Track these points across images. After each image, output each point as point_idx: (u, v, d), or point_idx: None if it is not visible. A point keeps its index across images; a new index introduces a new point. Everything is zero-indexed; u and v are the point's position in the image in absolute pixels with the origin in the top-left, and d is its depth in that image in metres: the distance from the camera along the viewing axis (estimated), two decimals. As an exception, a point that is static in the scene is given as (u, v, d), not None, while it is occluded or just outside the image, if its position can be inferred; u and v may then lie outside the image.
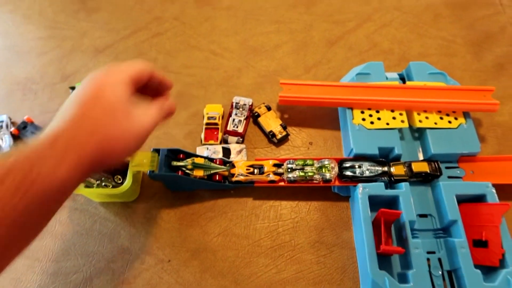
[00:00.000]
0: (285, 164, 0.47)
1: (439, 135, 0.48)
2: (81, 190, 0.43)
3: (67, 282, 0.43)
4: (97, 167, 0.29)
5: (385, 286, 0.38)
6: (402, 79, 0.54)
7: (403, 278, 0.41)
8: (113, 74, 0.30)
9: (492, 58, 0.59)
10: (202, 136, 0.51)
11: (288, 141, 0.52)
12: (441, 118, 0.49)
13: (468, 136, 0.48)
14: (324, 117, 0.53)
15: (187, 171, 0.45)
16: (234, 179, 0.46)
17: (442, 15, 0.64)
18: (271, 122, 0.52)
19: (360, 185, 0.45)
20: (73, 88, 0.55)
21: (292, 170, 0.46)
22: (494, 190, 0.44)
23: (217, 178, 0.46)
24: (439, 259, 0.43)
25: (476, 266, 0.41)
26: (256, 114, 0.53)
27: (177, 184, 0.47)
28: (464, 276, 0.40)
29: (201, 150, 0.50)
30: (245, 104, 0.53)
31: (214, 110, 0.53)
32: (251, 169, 0.47)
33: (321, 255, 0.44)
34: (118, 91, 0.30)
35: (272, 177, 0.46)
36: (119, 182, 0.45)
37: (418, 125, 0.49)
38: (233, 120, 0.52)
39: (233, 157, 0.50)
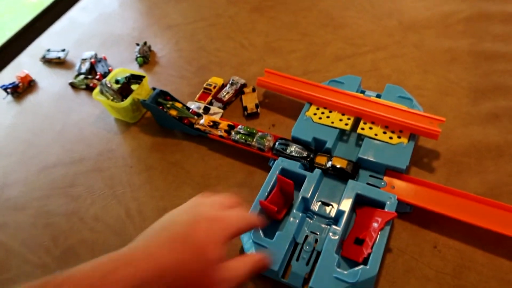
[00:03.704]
0: (237, 128, 0.58)
1: (374, 145, 0.52)
2: (101, 99, 0.63)
3: (71, 158, 0.63)
4: None
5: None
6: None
7: (271, 236, 0.46)
8: (217, 232, 0.31)
9: (490, 106, 0.58)
10: (198, 95, 0.66)
11: (257, 118, 0.62)
12: (385, 133, 0.52)
13: (401, 154, 0.50)
14: (296, 109, 0.61)
15: (166, 108, 0.60)
16: (195, 126, 0.59)
17: (460, 60, 0.65)
18: (250, 100, 0.63)
19: (280, 158, 0.52)
20: (137, 44, 0.77)
21: (239, 133, 0.57)
22: (395, 202, 0.46)
23: (185, 121, 0.60)
24: (316, 240, 0.47)
25: (344, 258, 0.44)
26: (242, 92, 0.65)
27: (160, 119, 0.63)
28: (322, 257, 0.43)
29: (190, 104, 0.65)
30: (238, 83, 0.66)
31: (215, 81, 0.67)
32: (211, 123, 0.59)
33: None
34: (217, 252, 0.30)
35: (221, 133, 0.57)
36: (124, 102, 0.63)
37: (359, 131, 0.53)
38: (224, 91, 0.65)
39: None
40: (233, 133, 0.57)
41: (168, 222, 0.32)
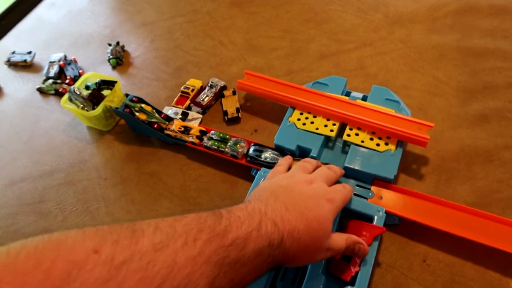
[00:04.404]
0: (209, 133, 0.55)
1: (361, 153, 0.49)
2: (70, 108, 0.58)
3: (40, 170, 0.59)
4: (277, 260, 0.32)
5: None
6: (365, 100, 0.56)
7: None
8: (333, 212, 0.37)
9: (479, 107, 0.55)
10: (175, 100, 0.62)
11: (239, 123, 0.59)
12: (371, 139, 0.50)
13: (388, 162, 0.48)
14: (280, 113, 0.58)
15: (134, 111, 0.56)
16: (166, 132, 0.56)
17: (448, 57, 0.62)
18: (230, 104, 0.60)
19: (263, 168, 0.49)
20: (110, 44, 0.72)
21: (211, 139, 0.54)
22: (384, 216, 0.44)
23: (155, 126, 0.56)
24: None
25: (331, 274, 0.42)
26: (222, 95, 0.61)
27: (135, 127, 0.59)
28: (308, 277, 0.41)
29: (167, 109, 0.61)
30: (217, 85, 0.62)
31: (193, 83, 0.63)
32: (183, 129, 0.55)
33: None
34: (331, 226, 0.37)
35: (192, 139, 0.54)
36: (95, 110, 0.59)
37: (345, 138, 0.50)
38: (203, 95, 0.62)
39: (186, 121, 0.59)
40: (205, 139, 0.54)
41: (299, 197, 0.37)
